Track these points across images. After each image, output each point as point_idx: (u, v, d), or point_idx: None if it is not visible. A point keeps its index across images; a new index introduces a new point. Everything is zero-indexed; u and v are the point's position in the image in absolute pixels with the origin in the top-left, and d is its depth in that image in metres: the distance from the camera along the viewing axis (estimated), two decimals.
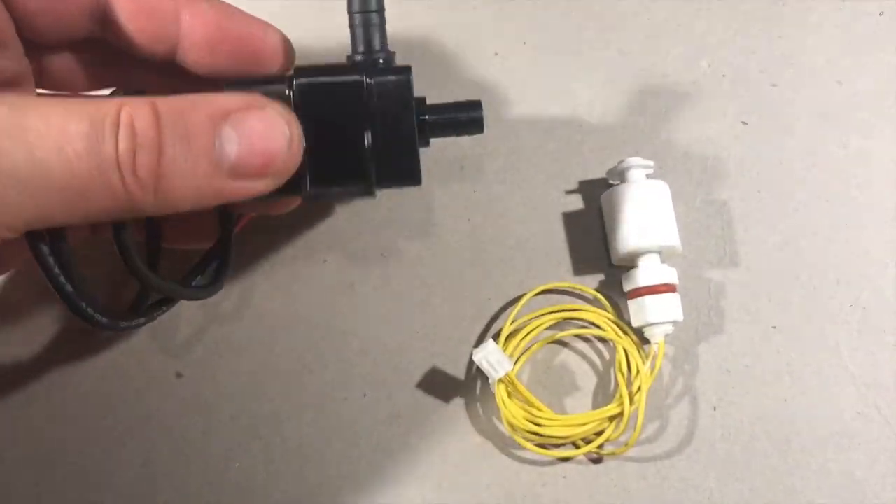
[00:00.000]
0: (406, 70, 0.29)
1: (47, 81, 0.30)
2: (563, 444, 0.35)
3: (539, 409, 0.34)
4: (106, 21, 0.28)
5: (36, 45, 0.28)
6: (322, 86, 0.28)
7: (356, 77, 0.28)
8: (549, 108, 0.40)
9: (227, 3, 0.29)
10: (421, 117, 0.31)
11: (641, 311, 0.35)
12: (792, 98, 0.40)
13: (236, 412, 0.36)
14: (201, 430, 0.36)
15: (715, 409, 0.35)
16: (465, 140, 0.38)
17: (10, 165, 0.20)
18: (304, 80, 0.28)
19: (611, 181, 0.38)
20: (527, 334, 0.35)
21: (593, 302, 0.37)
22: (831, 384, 0.35)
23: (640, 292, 0.35)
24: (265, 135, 0.24)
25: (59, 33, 0.28)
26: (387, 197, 0.38)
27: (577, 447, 0.34)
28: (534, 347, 0.36)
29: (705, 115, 0.40)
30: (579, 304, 0.37)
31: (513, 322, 0.35)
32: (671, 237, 0.35)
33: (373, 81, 0.28)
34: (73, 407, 0.36)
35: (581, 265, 0.37)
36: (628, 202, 0.35)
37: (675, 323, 0.35)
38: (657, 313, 0.34)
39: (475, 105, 0.32)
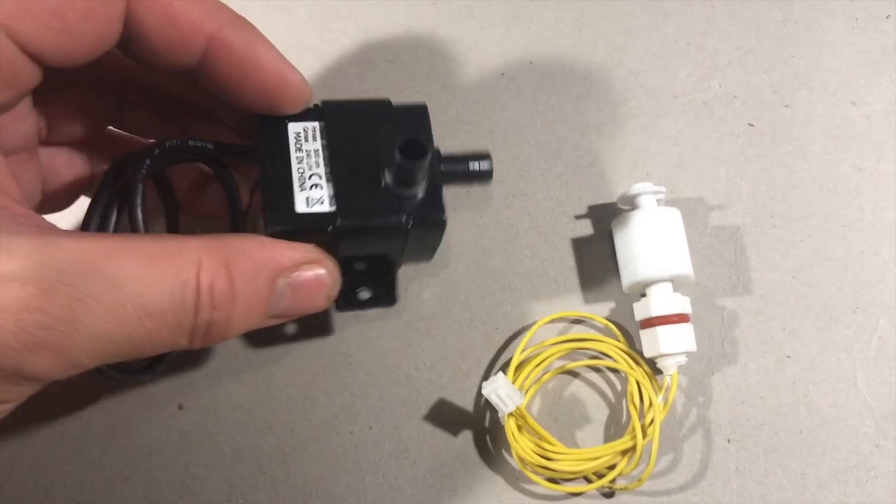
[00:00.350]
0: (440, 214, 0.30)
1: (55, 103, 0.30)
2: (574, 479, 0.34)
3: (550, 444, 0.33)
4: (131, 32, 0.26)
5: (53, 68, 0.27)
6: (363, 227, 0.29)
7: (397, 220, 0.29)
8: (557, 130, 0.39)
9: (262, 35, 0.28)
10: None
11: (654, 341, 0.34)
12: (805, 119, 0.39)
13: (239, 445, 0.35)
14: (204, 463, 0.35)
15: (729, 441, 0.34)
16: None
17: (88, 318, 0.21)
18: (347, 223, 0.29)
19: (621, 207, 0.37)
20: (537, 365, 0.35)
21: (604, 331, 0.36)
22: (848, 416, 0.35)
23: (652, 322, 0.34)
24: (313, 293, 0.27)
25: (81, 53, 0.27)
26: None
27: (590, 482, 0.34)
28: (544, 378, 0.35)
29: (717, 136, 0.39)
30: (590, 333, 0.36)
31: (522, 352, 0.35)
32: (683, 266, 0.34)
33: (411, 226, 0.29)
34: (75, 440, 0.35)
35: (591, 292, 0.37)
36: (639, 230, 0.35)
37: (688, 353, 0.34)
38: (670, 344, 0.33)
39: (485, 156, 0.32)
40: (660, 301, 0.34)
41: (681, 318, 0.34)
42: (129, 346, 0.22)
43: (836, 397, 0.35)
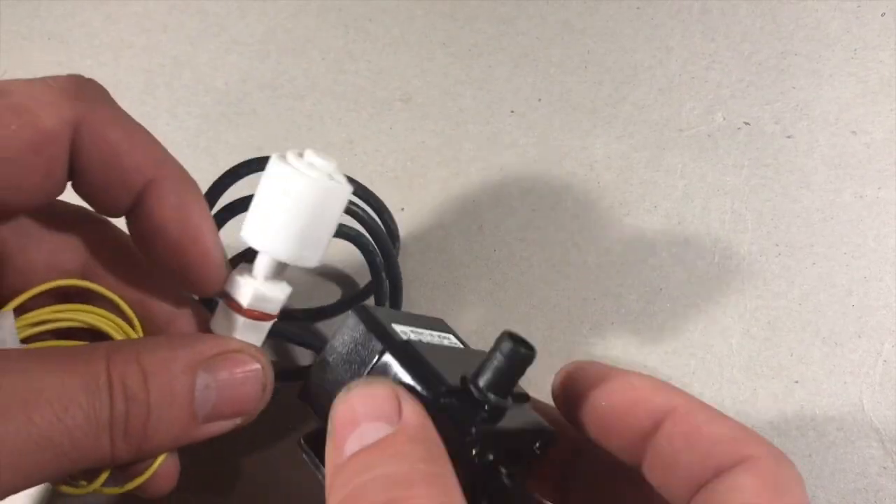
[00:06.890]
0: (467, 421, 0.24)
1: None
2: None
3: None
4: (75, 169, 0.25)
5: None
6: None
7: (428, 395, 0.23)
8: (566, 165, 0.40)
9: (199, 196, 0.26)
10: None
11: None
12: (807, 149, 0.40)
13: None
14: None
15: None
16: (483, 199, 0.39)
17: (5, 432, 0.20)
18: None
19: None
20: None
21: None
22: (855, 438, 0.36)
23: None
24: (241, 382, 0.24)
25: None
26: (409, 257, 0.39)
27: None
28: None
29: (722, 168, 0.40)
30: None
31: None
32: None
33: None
34: None
35: (601, 321, 0.38)
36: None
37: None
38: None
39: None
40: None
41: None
42: (52, 451, 0.21)
43: (843, 421, 0.36)
